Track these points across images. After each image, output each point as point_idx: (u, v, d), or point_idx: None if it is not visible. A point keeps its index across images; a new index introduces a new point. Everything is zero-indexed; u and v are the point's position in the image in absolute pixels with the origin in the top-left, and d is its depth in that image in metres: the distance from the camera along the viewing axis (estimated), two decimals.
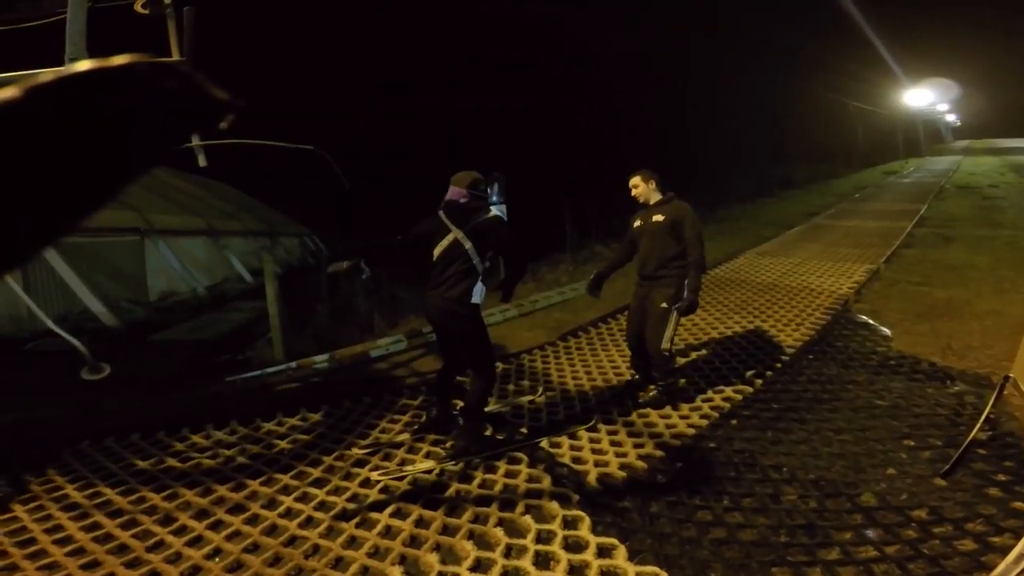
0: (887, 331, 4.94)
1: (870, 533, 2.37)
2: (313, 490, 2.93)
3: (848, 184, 20.24)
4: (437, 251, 3.11)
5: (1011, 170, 21.66)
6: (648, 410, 3.71)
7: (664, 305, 3.62)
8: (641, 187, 3.83)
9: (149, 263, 8.03)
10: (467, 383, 3.40)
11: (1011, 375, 3.66)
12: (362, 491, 2.91)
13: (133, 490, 2.95)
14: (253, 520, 2.69)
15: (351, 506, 2.78)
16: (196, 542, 2.54)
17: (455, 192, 3.17)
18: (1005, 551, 2.14)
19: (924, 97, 38.31)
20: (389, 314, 6.23)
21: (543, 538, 2.47)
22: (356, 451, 3.32)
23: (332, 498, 2.84)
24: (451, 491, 2.87)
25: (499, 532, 2.51)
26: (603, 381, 4.26)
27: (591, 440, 3.35)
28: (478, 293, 3.07)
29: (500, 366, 4.62)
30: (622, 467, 3.02)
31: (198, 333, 6.20)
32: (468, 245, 3.06)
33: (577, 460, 3.12)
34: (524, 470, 3.04)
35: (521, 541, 2.45)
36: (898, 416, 3.40)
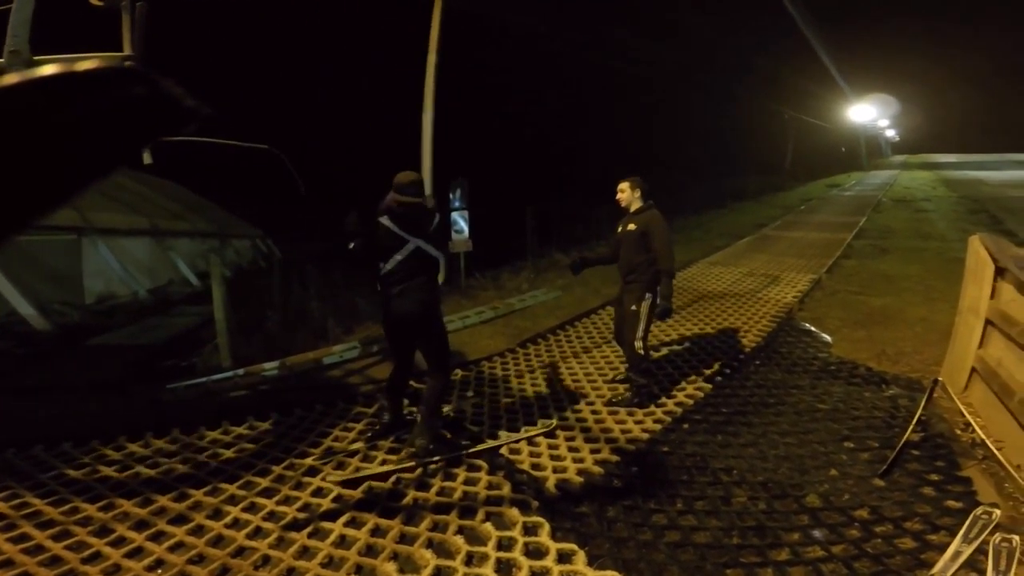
0: (828, 338, 5.19)
1: (816, 533, 2.47)
2: (261, 500, 2.83)
3: (795, 196, 21.24)
4: (395, 260, 3.07)
5: (942, 184, 23.31)
6: (604, 415, 3.76)
7: (633, 308, 3.76)
8: (626, 193, 3.92)
9: (86, 264, 7.55)
10: (423, 388, 3.40)
11: (940, 379, 3.91)
12: (314, 500, 2.83)
13: (65, 500, 2.78)
14: (197, 531, 2.59)
15: (302, 516, 2.70)
16: (136, 554, 2.42)
17: (405, 197, 3.03)
18: (942, 548, 2.27)
19: (867, 113, 40.67)
20: (344, 320, 6.08)
21: (504, 545, 2.47)
22: (310, 460, 3.21)
23: (282, 508, 2.75)
24: (408, 499, 2.82)
25: (459, 540, 2.49)
26: (561, 388, 4.29)
27: (550, 446, 3.37)
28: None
29: (460, 373, 4.59)
30: (580, 472, 3.05)
31: (138, 338, 5.88)
32: (434, 252, 3.15)
33: (536, 466, 3.13)
34: (484, 477, 3.03)
35: (482, 548, 2.44)
36: (838, 419, 3.57)
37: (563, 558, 2.36)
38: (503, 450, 3.31)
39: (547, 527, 2.56)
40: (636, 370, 3.84)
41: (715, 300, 6.68)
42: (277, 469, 3.13)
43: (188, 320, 6.64)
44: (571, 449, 3.33)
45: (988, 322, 3.55)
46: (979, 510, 2.46)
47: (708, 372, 4.45)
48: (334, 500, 2.83)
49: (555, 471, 3.07)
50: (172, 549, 2.44)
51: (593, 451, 3.29)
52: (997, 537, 2.26)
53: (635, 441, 3.40)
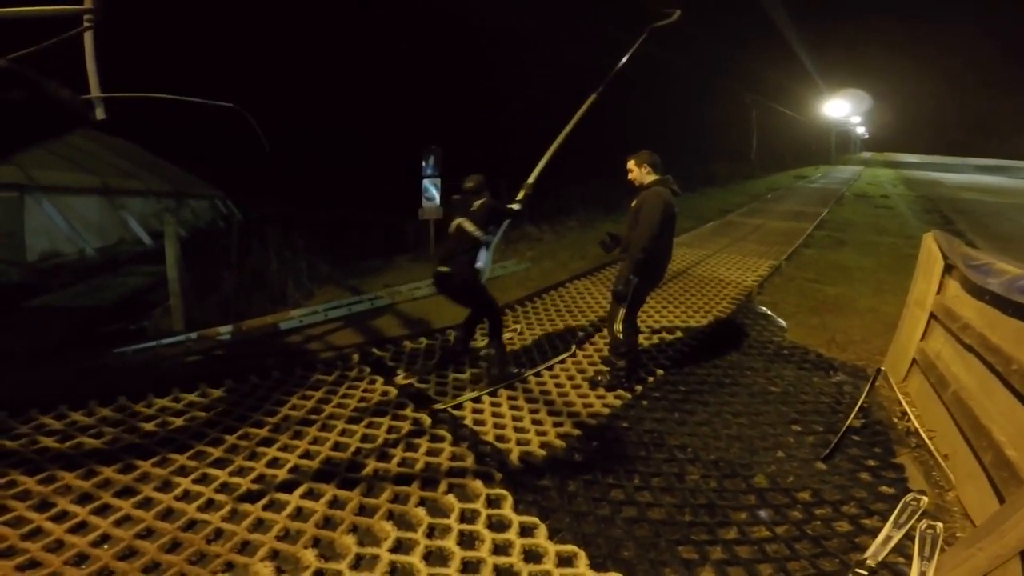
0: (783, 323, 5.37)
1: (762, 513, 2.59)
2: (214, 471, 2.76)
3: (762, 185, 21.68)
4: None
5: (902, 182, 24.22)
6: (568, 388, 3.82)
7: (613, 288, 3.72)
8: (634, 171, 3.80)
9: (28, 221, 7.08)
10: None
11: (883, 368, 4.11)
12: (269, 471, 2.77)
13: (1, 474, 2.63)
14: (145, 504, 2.51)
15: (257, 487, 2.64)
16: (80, 528, 2.33)
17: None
18: (874, 533, 2.41)
19: (840, 108, 41.47)
20: (306, 284, 5.93)
21: (467, 517, 2.49)
22: (264, 431, 3.15)
23: (235, 479, 2.69)
24: (368, 470, 2.81)
25: (421, 512, 2.50)
26: (527, 358, 4.31)
27: (514, 418, 3.40)
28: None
29: (424, 341, 4.56)
30: (542, 445, 3.10)
31: (84, 299, 5.59)
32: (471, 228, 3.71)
33: (500, 438, 3.17)
34: (447, 448, 3.04)
35: (444, 521, 2.45)
36: (788, 402, 3.72)
37: (525, 531, 2.41)
38: (467, 420, 3.33)
39: (510, 500, 2.59)
40: (615, 352, 3.84)
41: (678, 280, 6.81)
42: (230, 439, 3.05)
43: (138, 280, 6.35)
44: (535, 421, 3.37)
45: (932, 316, 3.72)
46: (909, 497, 2.62)
47: (669, 350, 4.55)
48: (290, 471, 2.78)
49: (519, 443, 3.11)
50: (118, 523, 2.36)
51: (556, 424, 3.35)
52: (924, 523, 2.41)
53: (597, 416, 3.47)
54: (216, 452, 2.92)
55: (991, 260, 3.08)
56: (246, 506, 2.50)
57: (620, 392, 3.78)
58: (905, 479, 2.86)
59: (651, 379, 4.01)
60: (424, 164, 7.47)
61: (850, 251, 9.00)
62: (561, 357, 4.35)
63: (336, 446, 3.03)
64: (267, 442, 3.04)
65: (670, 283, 6.65)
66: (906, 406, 3.57)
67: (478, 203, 3.72)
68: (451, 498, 2.60)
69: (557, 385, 3.89)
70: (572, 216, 11.60)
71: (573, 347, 4.55)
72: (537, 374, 4.06)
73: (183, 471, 2.76)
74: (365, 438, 3.13)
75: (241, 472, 2.77)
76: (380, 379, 3.86)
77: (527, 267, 7.29)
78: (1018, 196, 19.22)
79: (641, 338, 4.74)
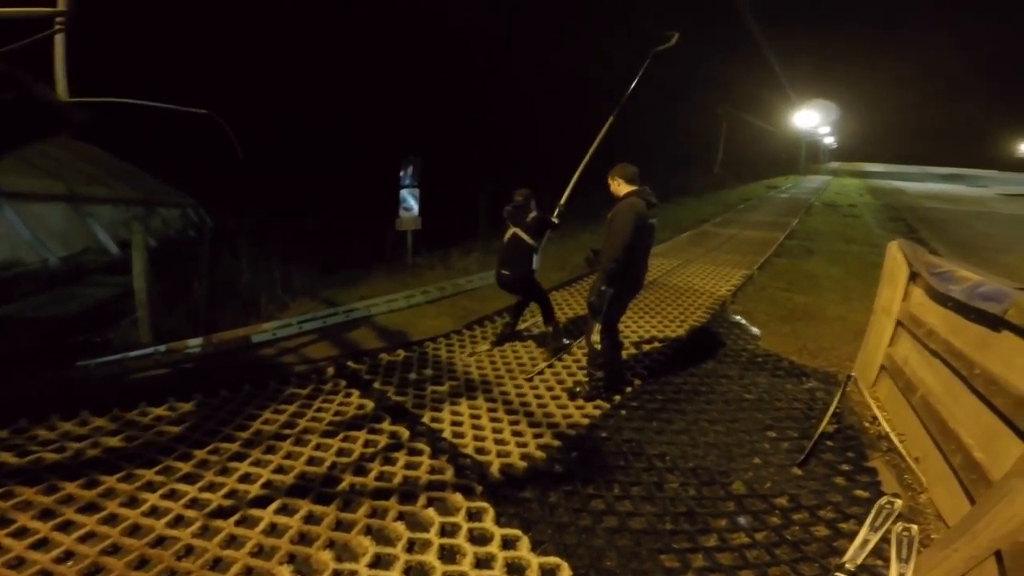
0: (756, 331, 5.48)
1: (742, 520, 2.61)
2: (183, 486, 2.68)
3: (735, 195, 22.17)
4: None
5: (868, 191, 25.05)
6: (547, 399, 3.82)
7: (587, 300, 3.72)
8: (611, 184, 3.82)
9: None
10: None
11: (853, 374, 4.22)
12: (241, 487, 2.71)
13: None
14: (110, 520, 2.43)
15: (229, 503, 2.58)
16: (42, 545, 2.25)
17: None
18: (851, 536, 2.46)
19: (810, 119, 42.68)
20: (279, 296, 5.81)
21: (447, 531, 2.46)
22: (236, 445, 3.06)
23: (206, 495, 2.63)
24: (344, 484, 2.76)
25: (400, 526, 2.46)
26: (506, 371, 4.30)
27: (494, 430, 3.38)
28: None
29: (402, 353, 4.51)
30: (523, 457, 3.08)
31: (46, 309, 5.37)
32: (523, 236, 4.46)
33: (480, 451, 3.14)
34: (425, 461, 3.00)
35: (424, 535, 2.42)
36: (762, 409, 3.78)
37: (507, 544, 2.39)
38: (445, 432, 3.30)
39: (491, 512, 2.57)
40: (592, 363, 3.85)
41: (655, 291, 6.89)
42: (200, 453, 2.97)
43: (104, 291, 6.14)
44: (515, 433, 3.36)
45: (899, 323, 3.84)
46: (883, 500, 2.68)
47: (645, 360, 4.59)
48: (263, 486, 2.72)
49: (499, 455, 3.09)
50: (83, 540, 2.28)
51: (536, 435, 3.34)
52: (899, 526, 2.46)
53: (576, 426, 3.47)
54: (185, 467, 2.84)
55: (953, 267, 3.20)
56: (218, 522, 2.44)
57: (599, 402, 3.79)
58: (878, 482, 2.93)
59: (629, 389, 4.03)
60: (402, 174, 7.44)
61: (819, 260, 9.25)
62: (539, 368, 4.35)
63: (311, 460, 2.97)
64: (239, 457, 2.97)
65: (647, 293, 6.73)
66: (876, 411, 3.66)
67: (531, 217, 4.45)
68: (431, 512, 2.56)
69: (537, 396, 3.88)
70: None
71: (552, 360, 4.56)
72: (517, 385, 4.06)
73: (150, 486, 2.68)
74: (341, 452, 3.07)
75: (212, 487, 2.69)
76: (356, 392, 3.80)
77: None
78: (975, 204, 20.04)
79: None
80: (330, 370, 4.13)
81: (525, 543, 2.39)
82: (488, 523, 2.51)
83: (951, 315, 3.07)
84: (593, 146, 4.84)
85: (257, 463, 2.92)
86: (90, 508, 2.49)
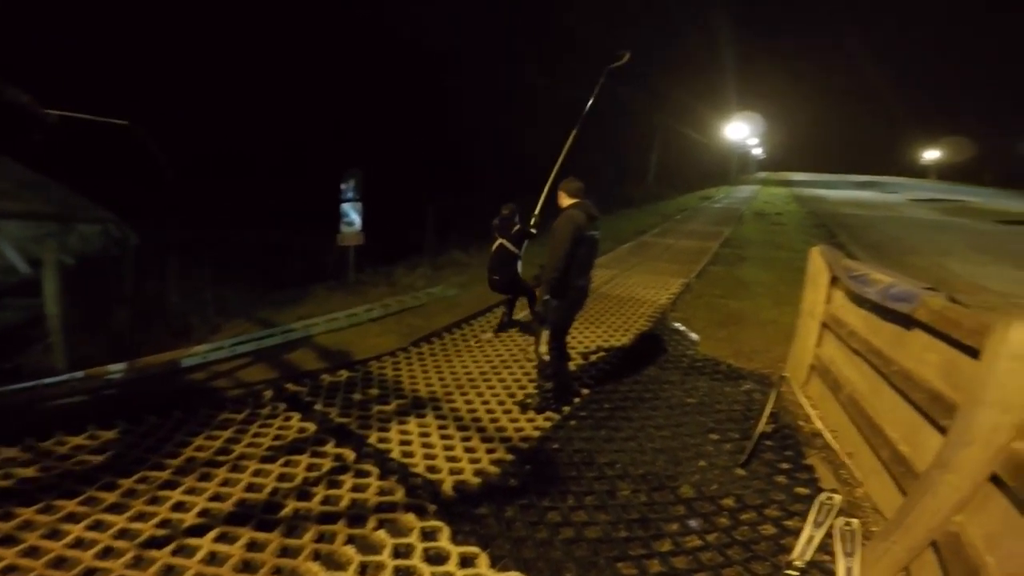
0: (695, 337, 5.69)
1: (693, 523, 2.68)
2: (110, 517, 2.51)
3: (672, 206, 23.11)
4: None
5: (794, 200, 26.72)
6: (499, 414, 3.80)
7: (533, 310, 3.76)
8: (558, 198, 3.87)
9: None
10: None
11: (785, 374, 4.45)
12: (175, 516, 2.56)
13: None
14: (32, 552, 2.25)
15: (162, 532, 2.43)
16: None
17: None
18: (797, 533, 2.55)
19: (740, 131, 45.07)
20: (212, 317, 5.50)
21: (401, 552, 2.40)
22: (167, 473, 2.85)
23: (136, 525, 2.48)
24: (287, 510, 2.64)
25: (350, 550, 2.38)
26: (456, 387, 4.24)
27: (445, 447, 3.32)
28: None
29: (345, 373, 4.37)
30: (476, 473, 3.05)
31: None
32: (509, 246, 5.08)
33: (432, 469, 3.08)
34: (374, 483, 2.91)
35: (377, 558, 2.35)
36: (704, 412, 3.92)
37: (466, 562, 2.35)
38: (394, 452, 3.21)
39: (447, 531, 2.52)
40: (542, 375, 3.86)
41: (599, 301, 7.04)
42: (127, 482, 2.78)
43: (12, 315, 5.58)
44: (467, 449, 3.31)
45: (823, 324, 4.10)
46: (823, 496, 2.80)
47: (592, 370, 4.66)
48: (199, 515, 2.57)
49: (452, 472, 3.04)
50: (3, 573, 2.11)
51: (489, 450, 3.31)
52: (840, 521, 2.58)
53: (528, 439, 3.46)
54: (111, 497, 2.66)
55: (868, 271, 3.44)
56: (152, 552, 2.30)
57: (549, 414, 3.80)
58: (817, 479, 3.06)
59: (577, 399, 4.08)
60: (344, 187, 7.26)
61: (751, 266, 9.76)
62: (492, 383, 4.34)
63: (250, 487, 2.83)
64: (170, 485, 2.81)
65: (592, 304, 6.85)
66: (809, 409, 3.87)
67: (515, 229, 5.07)
68: (382, 533, 2.49)
69: (488, 411, 3.85)
70: None
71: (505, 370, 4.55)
72: (468, 401, 4.01)
73: (73, 518, 2.50)
74: (283, 477, 2.93)
75: (142, 517, 2.55)
76: (297, 415, 3.64)
77: (454, 293, 7.22)
78: (887, 209, 21.81)
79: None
80: (268, 393, 3.94)
81: (484, 560, 2.35)
82: (444, 542, 2.46)
83: (869, 315, 3.30)
84: (560, 159, 5.13)
85: (191, 491, 2.77)
86: (7, 541, 2.30)
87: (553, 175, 5.04)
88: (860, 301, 3.43)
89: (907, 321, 2.75)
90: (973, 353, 2.07)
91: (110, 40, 12.36)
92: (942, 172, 54.04)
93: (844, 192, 31.58)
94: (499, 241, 5.13)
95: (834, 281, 4.03)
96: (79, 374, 3.94)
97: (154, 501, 2.67)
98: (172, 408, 3.58)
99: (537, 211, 5.15)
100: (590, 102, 5.33)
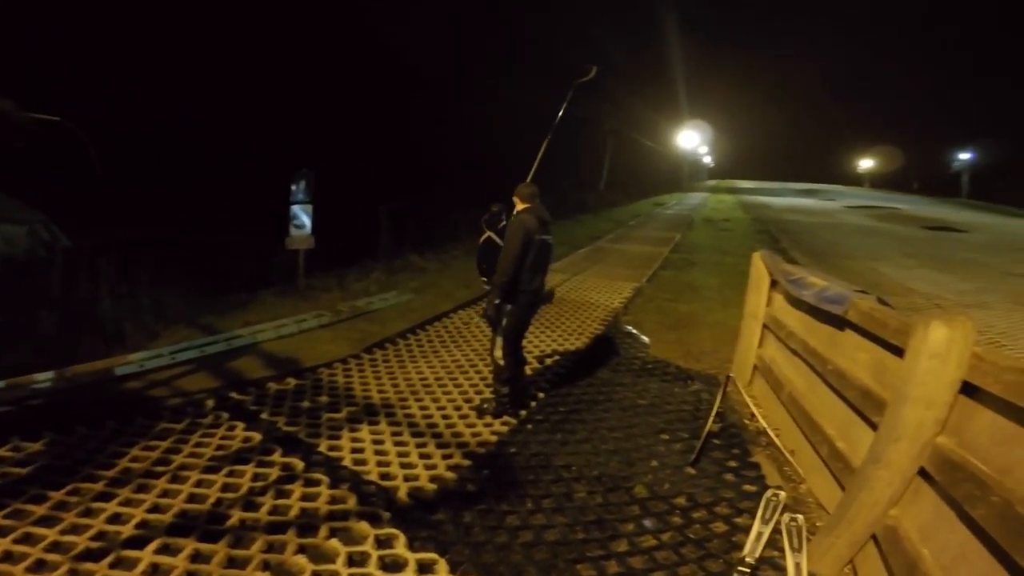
0: (646, 339, 5.84)
1: (647, 523, 2.72)
2: (39, 530, 2.37)
3: (627, 212, 23.64)
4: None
5: (740, 207, 27.84)
6: (455, 419, 3.77)
7: (484, 313, 3.76)
8: (515, 204, 3.90)
9: None
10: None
11: (731, 375, 4.62)
12: (111, 528, 2.44)
13: None
14: None
15: (98, 545, 2.31)
16: None
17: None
18: (747, 530, 2.62)
19: (691, 139, 46.62)
20: (148, 324, 5.21)
21: (356, 561, 2.35)
22: (100, 485, 2.67)
23: (69, 538, 2.35)
24: (234, 520, 2.55)
25: (302, 560, 2.31)
26: (411, 393, 4.18)
27: (400, 454, 3.27)
28: None
29: (293, 382, 4.23)
30: (433, 479, 3.01)
31: None
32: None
33: (385, 476, 3.03)
34: (324, 491, 2.84)
35: (330, 567, 2.29)
36: (655, 413, 4.02)
37: (424, 568, 2.32)
38: (345, 460, 3.13)
39: (403, 538, 2.48)
40: (497, 379, 3.87)
41: (554, 305, 7.11)
42: (56, 495, 2.64)
43: None
44: (423, 455, 3.27)
45: (765, 326, 4.29)
46: (769, 493, 2.88)
47: (548, 373, 4.70)
48: (138, 526, 2.46)
49: (406, 479, 3.00)
50: None
51: (445, 456, 3.27)
52: (787, 517, 2.65)
53: (485, 444, 3.45)
54: (39, 510, 2.52)
55: (804, 274, 3.63)
56: (88, 565, 2.19)
57: (506, 418, 3.80)
58: (763, 476, 3.17)
59: (534, 403, 4.10)
60: (294, 188, 7.04)
61: (699, 271, 10.11)
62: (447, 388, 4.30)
63: (192, 497, 2.71)
64: (104, 496, 2.67)
65: (547, 309, 6.92)
66: (753, 408, 4.03)
67: (501, 225, 5.34)
68: (335, 542, 2.43)
69: (444, 416, 3.81)
70: (458, 244, 11.57)
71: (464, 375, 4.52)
72: (423, 407, 3.96)
73: None
74: (227, 487, 2.82)
75: (75, 530, 2.42)
76: (241, 424, 3.50)
77: (409, 298, 7.13)
78: (825, 216, 23.03)
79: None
80: (210, 402, 3.77)
81: (443, 566, 2.32)
82: (400, 549, 2.42)
83: (806, 317, 3.48)
84: (534, 166, 5.34)
85: (128, 503, 2.65)
86: None
87: (530, 178, 5.22)
88: (797, 303, 3.61)
89: (840, 322, 2.91)
90: (899, 352, 2.18)
91: (43, 27, 11.55)
92: (874, 180, 57.65)
93: (786, 199, 33.17)
94: (487, 234, 5.59)
95: (774, 285, 4.22)
96: (1, 384, 3.66)
97: (88, 513, 2.55)
98: (105, 418, 3.39)
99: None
100: (560, 114, 5.57)
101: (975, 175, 40.09)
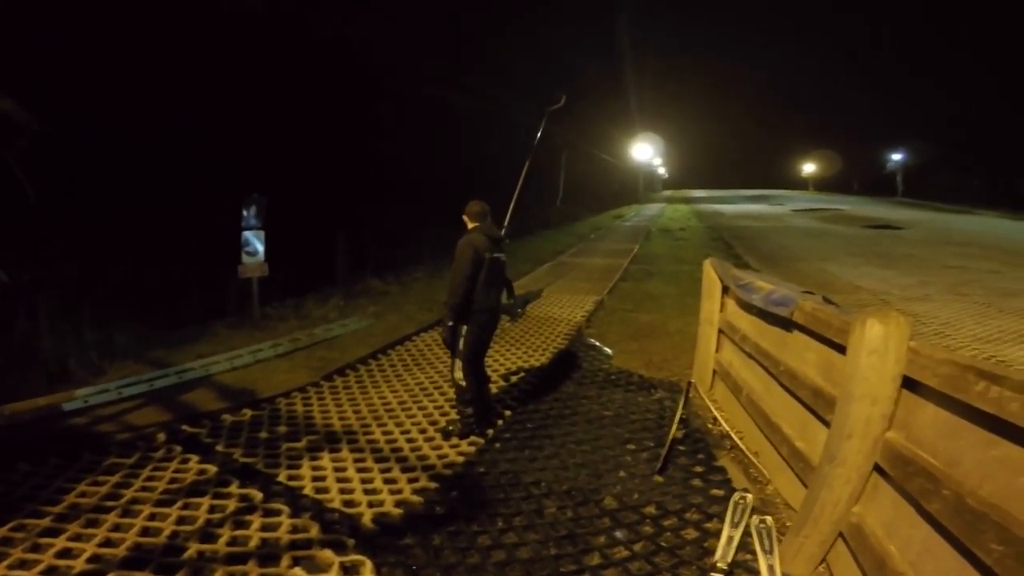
0: (609, 351, 5.92)
1: (618, 534, 2.71)
2: None
3: (587, 226, 24.04)
4: None
5: (695, 216, 28.72)
6: (420, 442, 3.70)
7: (441, 336, 3.72)
8: (465, 223, 3.87)
9: None
10: None
11: (692, 380, 4.73)
12: (62, 563, 2.36)
13: None
14: None
15: None
16: None
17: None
18: (718, 535, 2.63)
19: (645, 151, 47.86)
20: (92, 360, 4.95)
21: None
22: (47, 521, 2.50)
23: (17, 573, 2.28)
24: (190, 553, 2.45)
25: None
26: (373, 419, 4.09)
27: (363, 480, 3.19)
28: None
29: (249, 413, 4.09)
30: (398, 504, 2.94)
31: None
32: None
33: (349, 503, 2.95)
34: (285, 521, 2.74)
35: None
36: (620, 423, 4.05)
37: None
38: (306, 489, 3.02)
39: (369, 564, 2.41)
40: (461, 401, 3.83)
41: (519, 322, 7.13)
42: (1, 531, 2.54)
43: None
44: (387, 480, 3.19)
45: (720, 331, 4.42)
46: (736, 496, 2.91)
47: (514, 391, 4.69)
48: (89, 560, 2.37)
49: (371, 505, 2.92)
50: None
51: (411, 480, 3.21)
52: (756, 519, 2.68)
53: (452, 465, 3.40)
54: None
55: (752, 279, 3.76)
56: None
57: (474, 438, 3.76)
58: (729, 480, 3.21)
59: (500, 421, 4.07)
60: (245, 214, 6.86)
61: (658, 281, 10.35)
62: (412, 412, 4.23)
63: (145, 531, 2.62)
64: (52, 532, 2.57)
65: (511, 326, 6.92)
66: (716, 412, 4.12)
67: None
68: (298, 571, 2.35)
69: (409, 440, 3.74)
70: (420, 266, 11.47)
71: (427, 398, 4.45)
72: (387, 432, 3.88)
73: None
74: (182, 520, 2.72)
75: (23, 565, 2.34)
76: (195, 457, 3.36)
77: (370, 323, 6.99)
78: (775, 220, 24.02)
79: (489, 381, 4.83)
80: (160, 436, 3.63)
81: None
82: (368, 575, 2.36)
83: (757, 320, 3.61)
84: (517, 189, 5.59)
85: (77, 537, 2.55)
86: None
87: (514, 198, 5.47)
88: (748, 307, 3.74)
89: (788, 324, 3.02)
90: (842, 350, 2.25)
91: None
92: (817, 183, 60.60)
93: (738, 206, 34.45)
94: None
95: (726, 290, 4.37)
96: None
97: (35, 548, 2.47)
98: (48, 455, 3.26)
99: (506, 222, 6.30)
100: (536, 139, 5.87)
101: (907, 174, 42.48)
